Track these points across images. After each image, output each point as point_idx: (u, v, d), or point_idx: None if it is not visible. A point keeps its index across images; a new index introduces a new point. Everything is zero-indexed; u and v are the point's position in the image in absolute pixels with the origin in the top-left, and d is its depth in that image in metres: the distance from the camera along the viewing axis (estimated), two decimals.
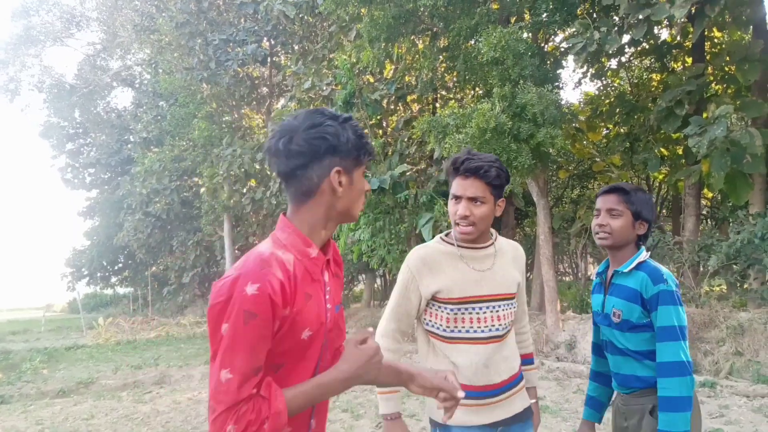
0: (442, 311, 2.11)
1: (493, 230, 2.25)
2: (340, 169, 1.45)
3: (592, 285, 2.46)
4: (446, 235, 2.24)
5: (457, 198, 2.10)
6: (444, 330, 2.12)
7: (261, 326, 1.30)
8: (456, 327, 2.10)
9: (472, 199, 2.07)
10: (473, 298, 2.10)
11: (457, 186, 2.10)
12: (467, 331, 2.10)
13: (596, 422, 2.46)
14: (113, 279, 29.92)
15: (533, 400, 2.30)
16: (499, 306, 2.14)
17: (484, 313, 2.10)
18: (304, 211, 1.48)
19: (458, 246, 2.16)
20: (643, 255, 2.20)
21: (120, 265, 29.35)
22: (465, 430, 2.08)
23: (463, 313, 2.09)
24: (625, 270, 2.17)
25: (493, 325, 2.11)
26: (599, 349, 2.45)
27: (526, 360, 2.36)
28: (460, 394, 1.61)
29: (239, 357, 1.29)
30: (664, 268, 2.16)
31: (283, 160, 1.44)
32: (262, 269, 1.33)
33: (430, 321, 2.15)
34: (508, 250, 2.26)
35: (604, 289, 2.30)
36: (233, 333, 1.29)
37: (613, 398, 2.42)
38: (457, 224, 2.12)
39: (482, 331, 2.10)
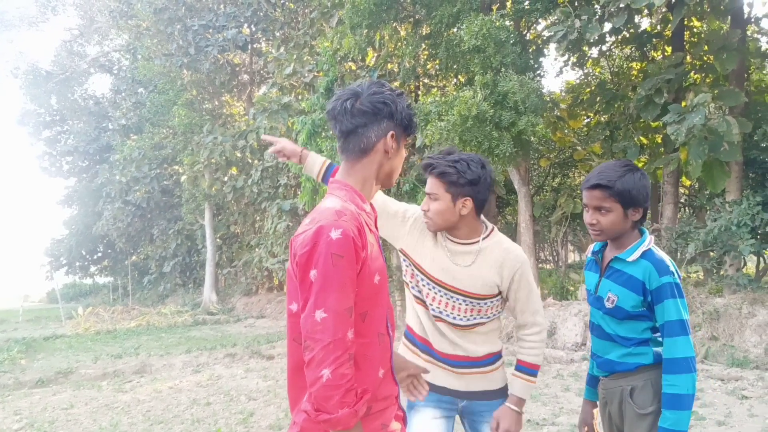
0: (408, 267, 2.30)
1: (483, 234, 2.24)
2: (394, 133, 1.65)
3: (587, 261, 2.37)
4: None
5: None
6: (413, 288, 2.31)
7: (348, 267, 1.45)
8: (413, 282, 2.30)
9: (428, 194, 2.20)
10: (433, 278, 2.22)
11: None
12: (419, 291, 2.29)
13: (597, 401, 2.40)
14: (92, 268, 29.62)
15: (513, 407, 2.22)
16: (456, 298, 2.21)
17: (437, 292, 2.22)
18: (358, 168, 1.66)
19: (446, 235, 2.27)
20: (647, 242, 2.09)
21: (99, 254, 29.04)
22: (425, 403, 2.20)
23: (418, 277, 2.27)
24: (628, 258, 2.07)
25: (439, 308, 2.22)
26: None
27: (519, 366, 2.28)
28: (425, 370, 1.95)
29: (331, 297, 1.42)
30: (667, 257, 2.07)
31: (348, 118, 1.62)
32: (340, 217, 1.49)
33: (409, 281, 2.35)
34: (495, 254, 2.21)
35: (601, 270, 2.21)
36: (324, 276, 1.42)
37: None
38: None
39: (432, 308, 2.24)
